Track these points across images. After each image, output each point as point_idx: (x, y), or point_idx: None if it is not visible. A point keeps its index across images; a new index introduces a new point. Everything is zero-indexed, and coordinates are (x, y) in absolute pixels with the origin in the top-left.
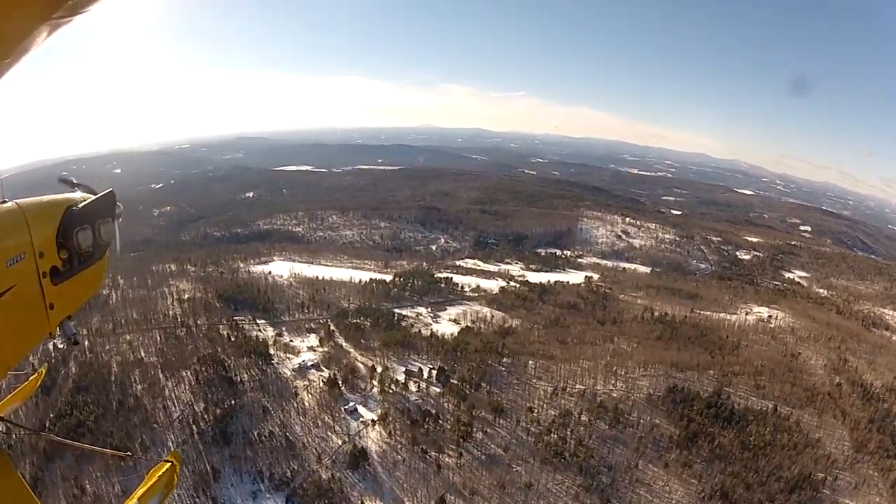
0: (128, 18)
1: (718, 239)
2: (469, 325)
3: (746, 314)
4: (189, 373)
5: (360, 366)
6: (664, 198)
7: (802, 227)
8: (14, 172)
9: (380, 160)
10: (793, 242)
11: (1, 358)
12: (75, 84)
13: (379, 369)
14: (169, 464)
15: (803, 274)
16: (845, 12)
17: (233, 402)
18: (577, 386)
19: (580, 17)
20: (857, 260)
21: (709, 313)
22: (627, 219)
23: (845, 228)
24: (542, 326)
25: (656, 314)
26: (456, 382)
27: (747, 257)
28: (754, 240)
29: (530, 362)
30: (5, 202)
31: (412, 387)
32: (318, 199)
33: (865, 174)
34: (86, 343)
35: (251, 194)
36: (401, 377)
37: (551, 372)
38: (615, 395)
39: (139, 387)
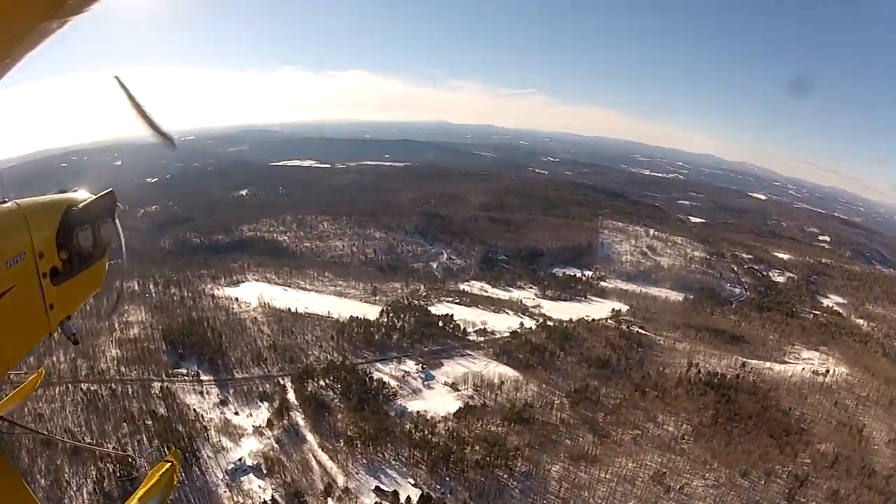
0: (141, 11)
1: (749, 257)
2: (471, 395)
3: (802, 366)
4: (95, 471)
5: (316, 468)
6: (680, 202)
7: (821, 237)
8: (19, 162)
9: (386, 156)
10: (823, 260)
11: (1, 358)
12: (81, 73)
13: (340, 481)
14: (169, 464)
15: (839, 300)
16: (858, 17)
17: None
18: None
19: (589, 16)
20: (888, 281)
21: (759, 364)
22: (652, 231)
23: (863, 239)
24: (565, 395)
25: (703, 372)
26: None
27: (782, 279)
28: (784, 257)
29: (553, 471)
30: (5, 202)
31: None
32: (312, 201)
33: (875, 180)
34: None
35: (245, 192)
36: (369, 502)
37: (582, 488)
38: None
39: (43, 481)
